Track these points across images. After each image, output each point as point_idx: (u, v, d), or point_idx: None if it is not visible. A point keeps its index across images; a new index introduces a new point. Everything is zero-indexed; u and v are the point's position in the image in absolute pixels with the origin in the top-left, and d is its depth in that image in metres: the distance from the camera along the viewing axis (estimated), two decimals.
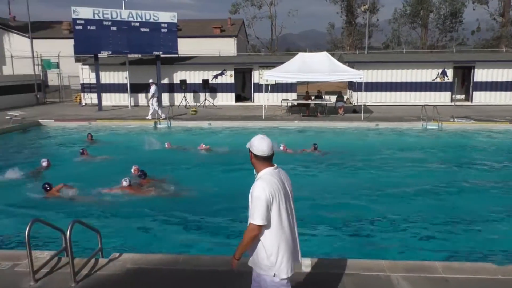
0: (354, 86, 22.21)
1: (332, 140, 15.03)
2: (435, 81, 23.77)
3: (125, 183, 8.69)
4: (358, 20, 52.01)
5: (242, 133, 15.96)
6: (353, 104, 22.58)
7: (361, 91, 19.30)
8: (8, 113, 17.96)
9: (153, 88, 19.23)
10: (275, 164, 3.29)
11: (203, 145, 12.81)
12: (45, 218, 5.52)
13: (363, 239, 6.62)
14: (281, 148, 12.57)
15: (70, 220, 4.64)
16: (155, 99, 19.10)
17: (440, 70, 23.68)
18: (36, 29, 35.19)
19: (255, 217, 3.05)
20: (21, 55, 31.01)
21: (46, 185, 8.61)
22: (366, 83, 20.74)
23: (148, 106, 19.32)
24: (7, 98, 23.89)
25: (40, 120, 18.37)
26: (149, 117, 18.65)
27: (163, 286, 4.59)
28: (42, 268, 4.82)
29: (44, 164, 10.80)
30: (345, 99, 22.21)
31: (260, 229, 3.09)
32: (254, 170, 3.32)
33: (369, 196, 8.59)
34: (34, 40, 29.89)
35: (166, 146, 13.20)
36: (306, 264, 4.90)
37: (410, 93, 23.90)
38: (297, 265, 4.83)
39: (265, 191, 3.06)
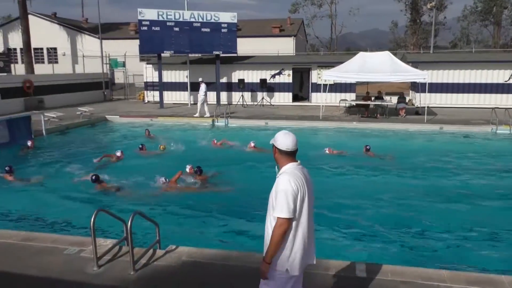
0: (417, 87, 21.31)
1: (391, 142, 14.52)
2: (507, 82, 22.15)
3: (161, 182, 8.93)
4: (423, 18, 49.83)
5: (299, 133, 15.89)
6: (416, 105, 21.64)
7: (424, 92, 18.45)
8: (79, 108, 19.22)
9: (203, 87, 19.63)
10: (298, 161, 3.23)
11: (252, 144, 12.84)
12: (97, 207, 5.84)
13: (420, 247, 6.31)
14: (327, 151, 12.32)
15: (121, 209, 4.85)
16: (202, 97, 19.47)
17: None
18: (106, 30, 37.36)
19: (284, 210, 2.97)
20: (91, 54, 33.06)
21: (93, 177, 9.08)
22: (431, 84, 19.79)
23: (202, 104, 19.63)
24: (78, 94, 25.61)
25: (106, 116, 19.48)
26: (207, 115, 19.10)
27: (217, 279, 4.67)
28: (104, 255, 5.09)
29: (118, 154, 11.58)
30: (407, 101, 21.35)
31: (289, 223, 3.00)
32: (276, 166, 3.28)
33: (428, 202, 8.18)
34: (103, 41, 31.74)
35: (213, 144, 13.38)
36: (361, 269, 4.76)
37: (479, 95, 22.44)
38: (351, 269, 4.75)
39: (291, 183, 3.01)
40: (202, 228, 7.03)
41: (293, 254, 3.09)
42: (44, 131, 15.11)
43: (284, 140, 3.16)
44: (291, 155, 3.18)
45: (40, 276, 4.71)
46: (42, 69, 35.85)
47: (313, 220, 3.27)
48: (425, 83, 17.95)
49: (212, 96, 24.80)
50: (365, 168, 10.81)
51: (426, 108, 18.00)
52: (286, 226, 2.99)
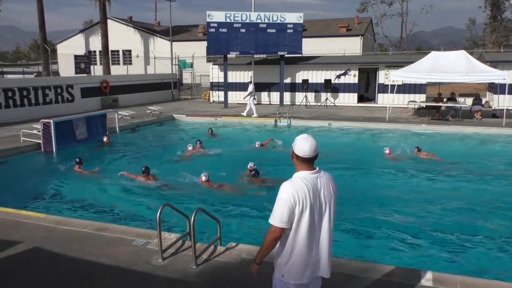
0: (495, 88, 19.84)
1: (462, 146, 13.67)
2: None
3: (204, 178, 9.13)
4: (505, 15, 46.29)
5: (362, 135, 15.48)
6: (493, 108, 20.14)
7: (503, 93, 17.13)
8: (149, 107, 20.21)
9: (250, 87, 19.84)
10: (316, 168, 3.07)
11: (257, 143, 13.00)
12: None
13: (494, 258, 5.86)
14: (387, 152, 11.93)
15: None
16: (252, 97, 19.63)
17: None
18: (176, 32, 38.93)
19: (276, 218, 2.92)
20: (162, 56, 34.61)
21: (144, 168, 9.65)
22: (511, 85, 18.32)
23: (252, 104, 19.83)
24: (149, 94, 26.99)
25: (174, 115, 20.29)
26: (244, 114, 19.41)
27: None
28: (168, 248, 5.31)
29: (190, 148, 12.39)
30: (483, 102, 19.94)
31: (281, 231, 2.95)
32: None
33: (499, 211, 7.64)
34: (173, 43, 33.09)
35: (257, 145, 13.05)
36: (427, 278, 4.53)
37: None
38: (416, 277, 4.52)
39: (288, 193, 2.91)
40: (261, 227, 7.07)
41: (290, 262, 3.05)
42: (117, 129, 16.06)
43: (301, 146, 3.01)
44: (308, 161, 3.04)
45: (111, 265, 5.01)
46: (117, 70, 38.21)
47: (327, 231, 3.09)
48: (505, 84, 16.66)
49: (275, 96, 24.99)
50: (429, 173, 10.31)
51: (505, 110, 16.68)
52: (277, 234, 2.96)
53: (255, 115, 19.31)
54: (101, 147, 13.59)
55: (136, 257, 5.17)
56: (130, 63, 40.52)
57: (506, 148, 13.46)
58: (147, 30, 42.07)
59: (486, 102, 22.20)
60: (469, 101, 19.47)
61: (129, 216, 7.61)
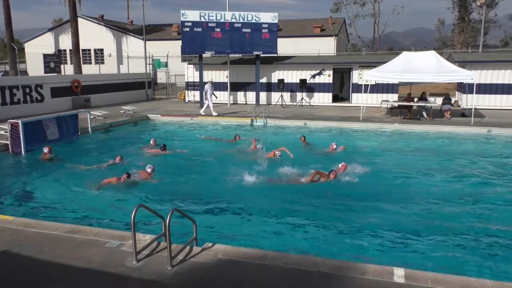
0: (464, 87, 20.45)
1: (432, 145, 14.04)
2: None
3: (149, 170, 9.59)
4: (472, 16, 47.78)
5: (338, 134, 15.71)
6: (462, 107, 20.77)
7: (472, 93, 17.67)
8: (123, 107, 19.87)
9: (207, 86, 20.52)
10: None
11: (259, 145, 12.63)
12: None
13: (464, 254, 6.04)
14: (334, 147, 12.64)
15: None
16: (210, 96, 20.28)
17: None
18: (150, 32, 38.41)
19: None
20: (135, 55, 34.08)
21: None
22: (479, 85, 18.94)
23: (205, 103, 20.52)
24: (122, 94, 26.52)
25: (148, 115, 20.02)
26: (202, 112, 19.89)
27: (251, 279, 4.67)
28: (143, 250, 5.22)
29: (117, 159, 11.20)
30: (452, 102, 20.52)
31: None
32: None
33: (467, 207, 7.91)
34: (147, 42, 32.64)
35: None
36: (399, 275, 4.61)
37: None
38: (389, 274, 4.61)
39: None
40: (238, 227, 7.05)
41: None
42: (89, 129, 15.72)
43: None
44: None
45: (83, 267, 4.89)
46: (89, 69, 37.38)
47: None
48: (473, 84, 17.20)
49: (251, 96, 25.01)
50: (401, 168, 10.51)
51: (473, 109, 17.24)
52: None
53: (214, 113, 19.69)
54: (44, 159, 11.55)
55: (109, 259, 5.07)
56: (103, 62, 39.71)
57: (473, 147, 13.89)
58: (120, 29, 41.33)
59: (455, 101, 22.87)
60: (439, 100, 20.01)
61: (102, 218, 7.45)
